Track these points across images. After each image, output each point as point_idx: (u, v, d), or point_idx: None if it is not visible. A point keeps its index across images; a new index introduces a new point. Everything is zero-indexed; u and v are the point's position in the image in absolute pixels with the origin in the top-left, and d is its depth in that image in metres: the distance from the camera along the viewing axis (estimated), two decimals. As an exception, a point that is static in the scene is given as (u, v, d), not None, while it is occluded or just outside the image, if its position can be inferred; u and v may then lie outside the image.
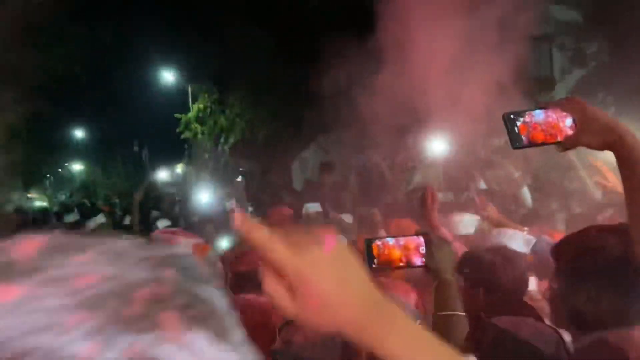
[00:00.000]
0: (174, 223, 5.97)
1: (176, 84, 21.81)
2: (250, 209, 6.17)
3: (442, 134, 9.01)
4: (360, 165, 6.40)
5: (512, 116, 1.16)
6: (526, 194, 4.30)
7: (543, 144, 1.17)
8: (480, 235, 2.84)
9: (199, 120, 21.49)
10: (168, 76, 21.63)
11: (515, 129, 1.16)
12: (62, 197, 27.80)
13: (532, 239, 2.57)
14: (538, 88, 9.58)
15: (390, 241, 1.45)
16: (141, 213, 6.50)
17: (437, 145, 6.08)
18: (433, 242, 1.49)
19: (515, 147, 1.17)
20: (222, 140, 20.71)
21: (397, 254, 1.44)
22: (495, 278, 1.98)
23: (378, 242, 1.44)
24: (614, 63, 9.24)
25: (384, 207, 4.70)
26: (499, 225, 2.69)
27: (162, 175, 10.27)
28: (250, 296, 2.13)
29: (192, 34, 18.83)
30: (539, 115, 1.16)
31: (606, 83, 9.35)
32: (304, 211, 4.95)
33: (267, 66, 17.52)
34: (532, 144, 1.17)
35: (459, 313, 1.38)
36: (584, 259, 1.34)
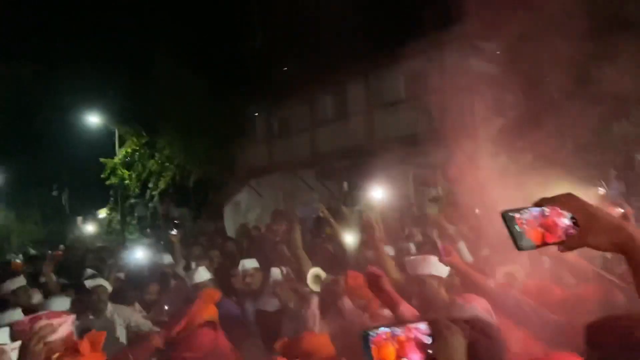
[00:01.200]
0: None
1: (102, 126, 20.96)
2: (183, 262, 5.81)
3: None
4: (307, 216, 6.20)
5: (511, 214, 1.12)
6: (463, 248, 4.30)
7: (546, 244, 1.11)
8: (443, 305, 2.75)
9: (126, 164, 20.69)
10: (93, 118, 20.75)
11: (517, 227, 1.12)
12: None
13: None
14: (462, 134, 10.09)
15: (392, 331, 1.27)
16: (68, 271, 5.98)
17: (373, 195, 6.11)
18: (442, 332, 1.28)
19: (520, 249, 1.11)
20: (150, 185, 19.99)
21: (398, 347, 1.25)
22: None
23: (375, 335, 1.26)
24: (529, 114, 9.98)
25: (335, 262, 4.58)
26: (464, 273, 2.61)
27: (86, 224, 9.68)
28: None
29: (119, 75, 18.32)
30: (536, 213, 1.13)
31: (523, 131, 10.05)
32: (240, 268, 4.66)
33: (198, 109, 17.34)
34: (537, 244, 1.12)
35: None
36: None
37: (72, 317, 2.56)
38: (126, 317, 4.35)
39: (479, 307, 2.54)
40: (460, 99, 11.11)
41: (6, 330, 2.99)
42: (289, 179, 17.33)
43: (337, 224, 5.85)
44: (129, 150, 20.41)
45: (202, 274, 4.31)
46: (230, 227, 17.02)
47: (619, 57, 6.96)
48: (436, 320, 1.32)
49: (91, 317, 4.32)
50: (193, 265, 6.31)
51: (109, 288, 4.51)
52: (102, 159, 20.69)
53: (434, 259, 3.10)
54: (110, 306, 4.47)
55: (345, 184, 10.70)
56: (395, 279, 3.49)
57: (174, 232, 5.82)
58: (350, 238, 5.35)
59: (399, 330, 1.28)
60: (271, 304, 4.21)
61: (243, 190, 19.75)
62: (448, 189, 7.99)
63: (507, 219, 1.13)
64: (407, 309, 2.11)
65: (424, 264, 3.16)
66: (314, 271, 4.42)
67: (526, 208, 1.14)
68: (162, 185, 19.50)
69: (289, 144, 16.90)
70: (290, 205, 6.39)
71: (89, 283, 4.51)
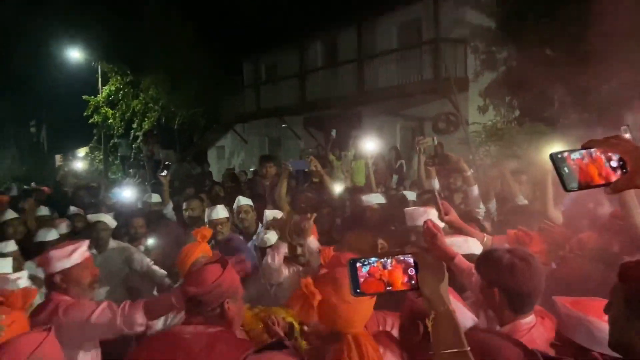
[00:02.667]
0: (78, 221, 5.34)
1: (85, 63, 20.27)
2: (171, 203, 5.75)
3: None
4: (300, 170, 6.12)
5: (559, 156, 1.13)
6: (475, 192, 4.36)
7: (596, 185, 1.12)
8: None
9: (110, 103, 20.22)
10: (76, 53, 20.03)
11: (566, 169, 1.12)
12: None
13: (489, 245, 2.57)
14: (455, 88, 10.13)
15: (377, 262, 1.30)
16: (55, 208, 5.90)
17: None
18: (427, 265, 1.30)
19: (569, 190, 1.12)
20: (134, 125, 19.66)
21: (384, 277, 1.29)
22: (510, 279, 1.92)
23: (363, 264, 1.30)
24: (521, 70, 10.02)
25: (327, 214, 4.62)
26: (459, 230, 2.66)
27: (68, 162, 9.50)
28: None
29: (105, 10, 17.53)
30: (586, 154, 1.14)
31: (513, 87, 10.13)
32: (235, 204, 4.67)
33: (185, 50, 16.86)
34: (585, 185, 1.12)
35: (464, 349, 1.20)
36: None
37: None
38: (129, 256, 4.35)
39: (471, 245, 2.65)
40: (452, 50, 11.08)
41: (9, 260, 3.06)
42: (275, 126, 17.25)
43: (324, 172, 5.88)
44: (113, 88, 19.92)
45: (220, 212, 4.28)
46: (214, 171, 17.01)
47: (612, 16, 6.97)
48: (421, 254, 1.35)
49: (94, 251, 4.34)
50: (184, 205, 6.30)
51: (111, 224, 4.50)
52: (85, 97, 20.19)
53: (433, 211, 3.15)
54: (112, 242, 4.46)
55: (333, 132, 10.70)
56: None
57: (164, 172, 5.74)
58: (337, 186, 5.43)
59: (385, 261, 1.32)
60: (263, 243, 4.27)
61: (228, 135, 19.62)
62: (438, 142, 8.04)
63: (556, 159, 1.14)
64: (461, 260, 2.20)
65: (417, 218, 3.28)
66: (271, 213, 4.38)
67: (575, 150, 1.15)
68: (146, 125, 19.22)
69: (276, 90, 16.68)
70: (267, 165, 6.23)
71: (90, 217, 4.52)
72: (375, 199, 4.58)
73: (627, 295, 1.39)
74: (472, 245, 2.67)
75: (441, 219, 2.69)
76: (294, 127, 16.41)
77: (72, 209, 5.82)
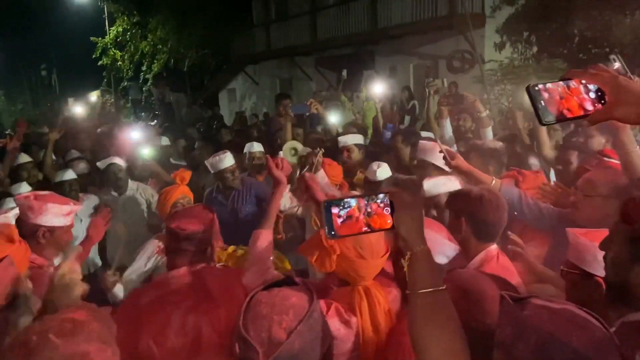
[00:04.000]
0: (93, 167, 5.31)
1: (91, 3, 19.83)
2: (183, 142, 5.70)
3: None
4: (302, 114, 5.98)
5: (536, 88, 1.08)
6: (489, 134, 4.25)
7: (573, 118, 1.09)
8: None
9: (118, 45, 19.92)
10: (80, -7, 19.63)
11: (542, 102, 1.07)
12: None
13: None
14: (471, 24, 9.74)
15: (352, 202, 1.27)
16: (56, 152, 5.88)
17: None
18: (403, 203, 1.27)
19: (544, 123, 1.09)
20: (144, 68, 19.43)
21: (360, 218, 1.26)
22: (478, 207, 2.07)
23: (339, 205, 1.26)
24: (540, 4, 9.56)
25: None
26: (468, 175, 2.65)
27: (78, 106, 9.38)
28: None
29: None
30: (563, 86, 1.09)
31: (532, 22, 9.71)
32: (246, 150, 4.63)
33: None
34: (561, 118, 1.09)
35: (440, 288, 1.19)
36: None
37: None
38: (150, 195, 4.37)
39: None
40: (470, -16, 10.58)
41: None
42: (286, 67, 16.92)
43: (334, 111, 5.74)
44: (120, 29, 19.56)
45: (229, 160, 4.21)
46: (226, 114, 16.92)
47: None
48: (397, 192, 1.32)
49: (114, 193, 4.36)
50: (196, 145, 6.24)
51: (123, 164, 4.46)
52: (92, 38, 19.90)
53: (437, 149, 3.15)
54: (132, 183, 4.46)
55: (344, 72, 10.46)
56: None
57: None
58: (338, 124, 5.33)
59: (361, 202, 1.28)
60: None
61: (238, 77, 19.34)
62: (452, 82, 7.80)
63: (532, 92, 1.09)
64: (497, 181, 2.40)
65: (429, 153, 3.23)
66: (290, 143, 4.38)
67: (551, 81, 1.11)
68: (155, 68, 18.99)
69: (287, 29, 16.23)
70: (284, 103, 6.03)
71: (102, 163, 4.53)
72: (352, 139, 4.44)
73: (632, 234, 1.33)
74: (455, 184, 2.75)
75: (448, 165, 2.67)
76: (305, 68, 16.09)
77: (73, 152, 5.77)
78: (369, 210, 1.27)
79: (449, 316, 1.18)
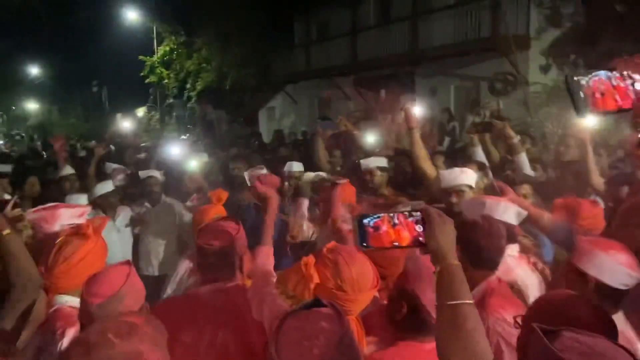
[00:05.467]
0: (132, 179, 5.45)
1: (141, 23, 20.71)
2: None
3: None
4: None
5: (576, 79, 1.04)
6: (524, 160, 4.12)
7: (618, 111, 1.04)
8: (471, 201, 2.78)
9: (165, 64, 20.65)
10: (132, 14, 20.49)
11: (581, 93, 1.03)
12: (17, 136, 26.57)
13: (524, 213, 2.51)
14: (515, 46, 9.57)
15: (385, 217, 1.32)
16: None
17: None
18: (434, 219, 1.31)
19: (580, 116, 1.04)
20: (188, 85, 20.03)
21: (391, 232, 1.30)
22: (470, 234, 2.05)
23: (370, 220, 1.31)
24: (588, 27, 9.31)
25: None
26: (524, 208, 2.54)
27: (125, 122, 9.70)
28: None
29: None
30: (606, 76, 1.04)
31: (579, 45, 9.45)
32: (286, 169, 4.65)
33: (237, 10, 16.82)
34: (603, 110, 1.05)
35: (468, 301, 1.24)
36: None
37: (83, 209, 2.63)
38: (180, 211, 4.47)
39: (509, 204, 2.56)
40: (514, 5, 10.41)
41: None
42: (325, 86, 17.06)
43: (371, 132, 5.67)
44: (167, 49, 20.28)
45: (296, 166, 4.33)
46: (265, 132, 17.16)
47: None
48: (429, 209, 1.35)
49: (147, 205, 4.51)
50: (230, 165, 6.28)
51: (161, 178, 4.61)
52: (141, 57, 20.70)
53: (467, 170, 3.19)
54: (164, 197, 4.59)
55: (382, 92, 10.44)
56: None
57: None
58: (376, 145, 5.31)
59: (393, 217, 1.32)
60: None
61: (278, 96, 19.63)
62: (494, 104, 7.61)
63: (571, 83, 1.06)
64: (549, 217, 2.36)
65: (462, 176, 3.17)
66: (310, 175, 4.35)
67: (594, 71, 1.04)
68: (199, 86, 19.53)
69: (327, 49, 16.40)
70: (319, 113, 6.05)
71: (142, 174, 4.66)
72: (374, 162, 4.39)
73: None
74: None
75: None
76: (344, 88, 16.18)
77: (108, 165, 5.87)
78: (399, 224, 1.31)
79: (475, 328, 1.21)
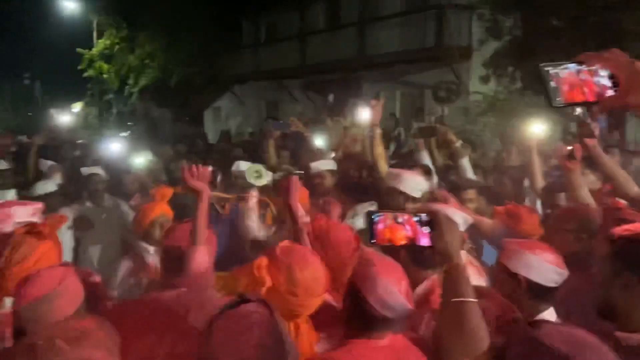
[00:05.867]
0: (70, 174, 5.16)
1: (79, 15, 19.75)
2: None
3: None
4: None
5: (546, 69, 1.04)
6: (467, 164, 4.25)
7: (583, 103, 1.05)
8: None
9: (105, 58, 19.79)
10: (71, 4, 19.51)
11: (552, 83, 1.04)
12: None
13: (470, 219, 2.55)
14: (457, 56, 9.90)
15: (394, 216, 1.38)
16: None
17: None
18: (442, 222, 1.39)
19: (554, 105, 1.04)
20: (130, 81, 19.29)
21: (400, 231, 1.38)
22: None
23: (381, 217, 1.38)
24: (525, 40, 9.77)
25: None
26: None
27: (60, 117, 9.15)
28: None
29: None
30: (575, 69, 1.05)
31: (517, 58, 9.91)
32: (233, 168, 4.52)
33: (183, 6, 16.40)
34: (571, 102, 1.05)
35: (471, 300, 1.30)
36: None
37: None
38: (125, 211, 4.25)
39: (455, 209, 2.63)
40: (457, 17, 10.79)
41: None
42: (273, 89, 16.97)
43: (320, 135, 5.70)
44: (108, 42, 19.46)
45: (244, 165, 4.14)
46: (210, 132, 16.82)
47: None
48: (437, 211, 1.41)
49: (89, 204, 4.25)
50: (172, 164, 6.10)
51: (104, 176, 4.37)
52: (79, 49, 19.75)
53: (412, 178, 3.15)
54: (108, 197, 4.36)
55: (330, 96, 10.51)
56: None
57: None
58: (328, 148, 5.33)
59: (400, 217, 1.38)
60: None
61: (224, 96, 19.31)
62: (439, 111, 7.87)
63: (542, 73, 1.07)
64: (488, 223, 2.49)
65: (398, 180, 3.17)
66: (253, 166, 4.28)
67: (564, 63, 1.07)
68: (142, 82, 18.87)
69: (276, 51, 16.34)
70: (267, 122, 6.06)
71: (84, 170, 4.41)
72: (324, 165, 4.39)
73: (613, 249, 1.44)
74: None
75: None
76: (292, 90, 16.16)
77: (43, 162, 5.56)
78: (406, 223, 1.39)
79: (478, 326, 1.27)
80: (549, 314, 1.87)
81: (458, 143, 4.37)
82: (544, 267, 1.89)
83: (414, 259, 2.05)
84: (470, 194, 3.57)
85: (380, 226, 1.38)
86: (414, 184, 3.13)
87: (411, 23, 11.79)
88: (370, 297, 1.58)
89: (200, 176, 2.10)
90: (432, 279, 2.06)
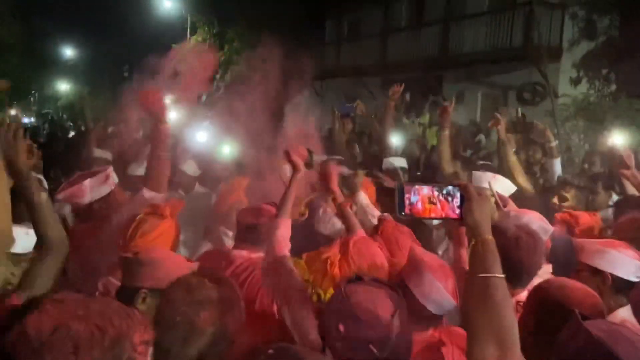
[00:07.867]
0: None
1: (175, 12, 21.01)
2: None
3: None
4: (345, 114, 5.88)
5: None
6: (558, 166, 4.01)
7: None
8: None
9: (197, 53, 20.84)
10: (167, 3, 20.83)
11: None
12: (48, 115, 27.17)
13: (550, 228, 2.49)
14: (546, 56, 9.48)
15: (425, 189, 1.38)
16: None
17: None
18: (473, 196, 1.37)
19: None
20: (217, 77, 20.21)
21: (430, 203, 1.38)
22: (513, 250, 1.94)
23: (411, 188, 1.37)
24: (622, 41, 9.19)
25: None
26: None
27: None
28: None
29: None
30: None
31: (612, 59, 9.34)
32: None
33: (270, 3, 16.96)
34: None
35: (499, 275, 1.28)
36: None
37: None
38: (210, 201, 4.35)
39: (534, 218, 2.58)
40: (548, 16, 10.33)
41: None
42: (353, 85, 17.11)
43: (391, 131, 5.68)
44: (200, 39, 20.51)
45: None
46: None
47: None
48: (468, 185, 1.41)
49: (181, 192, 4.36)
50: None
51: (196, 170, 4.49)
52: (173, 45, 20.95)
53: (499, 177, 3.12)
54: (198, 187, 4.51)
55: (407, 95, 10.44)
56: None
57: None
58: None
59: (432, 190, 1.40)
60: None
61: (304, 92, 19.69)
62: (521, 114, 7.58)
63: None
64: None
65: (488, 178, 3.18)
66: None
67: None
68: (228, 77, 19.72)
69: (357, 49, 16.45)
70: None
71: (181, 165, 4.67)
72: (398, 162, 4.45)
73: None
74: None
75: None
76: (371, 88, 16.21)
77: (96, 151, 5.52)
78: (437, 198, 1.40)
79: (504, 301, 1.25)
80: (628, 309, 1.91)
81: (554, 142, 4.20)
82: (628, 263, 1.95)
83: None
84: (569, 192, 3.47)
85: (409, 199, 1.38)
86: (503, 182, 3.12)
87: (498, 21, 11.44)
88: (417, 290, 1.67)
89: (299, 153, 2.27)
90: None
